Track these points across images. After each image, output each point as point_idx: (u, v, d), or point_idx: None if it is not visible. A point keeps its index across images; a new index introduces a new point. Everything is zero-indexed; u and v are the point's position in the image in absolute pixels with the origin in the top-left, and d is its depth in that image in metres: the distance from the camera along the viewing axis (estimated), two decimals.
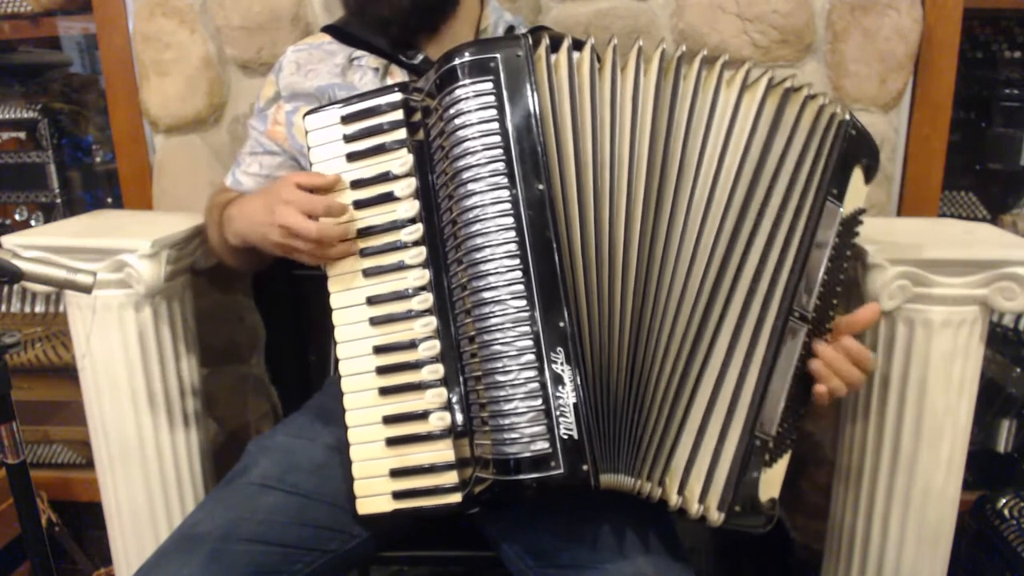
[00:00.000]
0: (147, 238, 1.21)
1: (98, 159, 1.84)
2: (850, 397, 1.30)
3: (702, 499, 0.83)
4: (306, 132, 0.89)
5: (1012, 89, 1.65)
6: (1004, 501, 1.47)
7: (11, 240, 1.24)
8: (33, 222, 1.81)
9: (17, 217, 1.82)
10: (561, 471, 0.77)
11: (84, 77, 1.87)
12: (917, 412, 1.18)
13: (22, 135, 1.78)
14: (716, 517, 0.83)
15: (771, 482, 0.86)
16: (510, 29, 1.11)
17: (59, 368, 1.81)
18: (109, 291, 1.23)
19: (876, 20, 1.35)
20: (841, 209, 0.87)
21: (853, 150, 0.88)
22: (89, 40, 1.80)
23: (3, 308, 1.85)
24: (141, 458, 1.31)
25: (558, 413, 0.78)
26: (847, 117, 0.88)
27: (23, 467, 0.85)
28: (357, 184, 0.88)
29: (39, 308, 1.84)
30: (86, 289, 0.83)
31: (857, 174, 0.89)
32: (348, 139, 0.88)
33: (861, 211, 0.90)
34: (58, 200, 1.81)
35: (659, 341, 0.84)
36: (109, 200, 1.84)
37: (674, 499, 0.83)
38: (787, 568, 1.65)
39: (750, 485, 0.84)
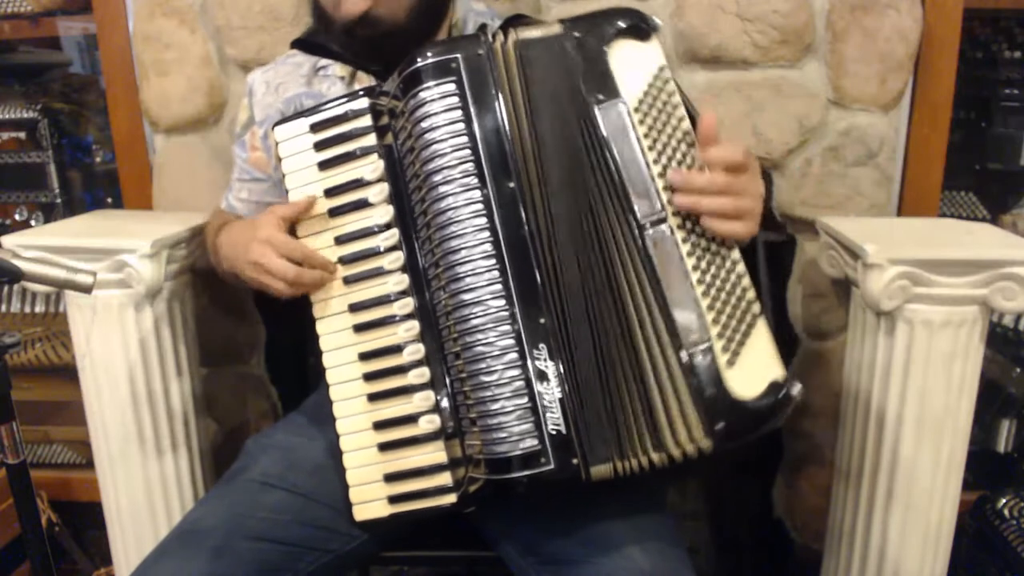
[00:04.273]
0: (147, 238, 1.21)
1: (98, 159, 1.84)
2: (850, 398, 1.30)
3: (691, 439, 0.80)
4: (276, 143, 0.89)
5: (1012, 89, 1.65)
6: (1004, 501, 1.47)
7: (11, 240, 1.24)
8: (33, 222, 1.81)
9: (17, 217, 1.82)
10: (551, 466, 0.78)
11: (84, 77, 1.87)
12: (917, 412, 1.18)
13: (22, 135, 1.78)
14: (707, 445, 0.79)
15: (755, 370, 0.80)
16: (483, 26, 1.09)
17: (59, 368, 1.81)
18: (109, 291, 1.23)
19: (876, 20, 1.35)
20: (621, 102, 0.80)
21: (593, 44, 0.81)
22: (89, 40, 1.80)
23: (3, 308, 1.85)
24: (141, 458, 1.31)
25: (544, 409, 0.78)
26: (558, 30, 0.82)
27: (23, 467, 0.85)
28: (331, 192, 0.87)
29: (39, 308, 1.84)
30: (86, 289, 0.83)
31: (622, 47, 0.81)
32: (318, 147, 0.87)
33: (661, 68, 0.81)
34: (58, 200, 1.81)
35: (606, 318, 0.81)
36: (109, 200, 1.84)
37: (666, 454, 0.80)
38: (787, 568, 1.65)
39: (721, 395, 0.78)
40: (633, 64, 0.81)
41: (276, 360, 1.64)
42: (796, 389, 0.79)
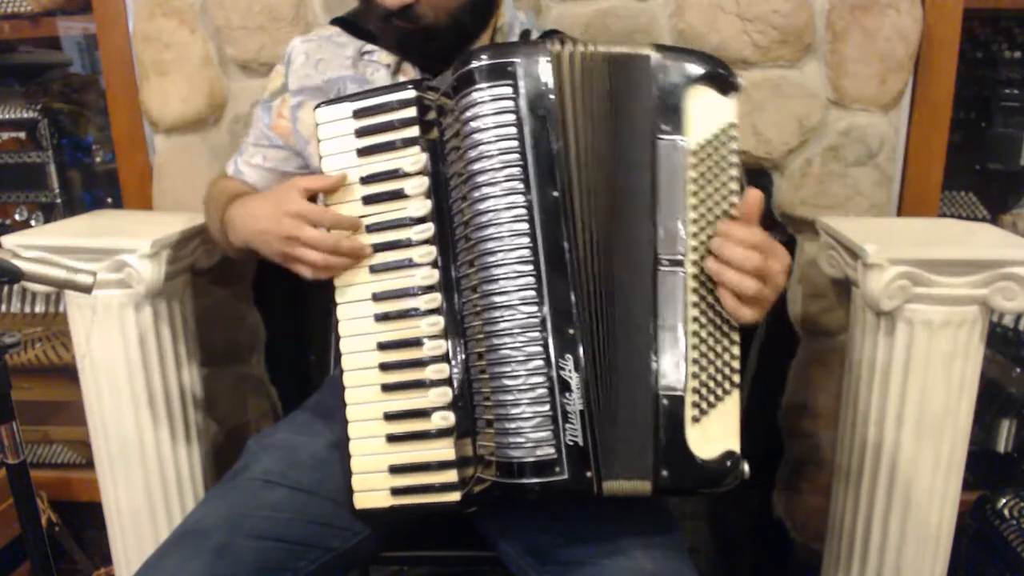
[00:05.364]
0: (147, 238, 1.21)
1: (98, 159, 1.84)
2: (850, 398, 1.30)
3: (643, 476, 0.80)
4: (317, 124, 0.88)
5: (1012, 89, 1.65)
6: (1004, 501, 1.47)
7: (11, 240, 1.24)
8: (33, 222, 1.81)
9: (17, 217, 1.82)
10: (565, 477, 0.78)
11: (84, 77, 1.87)
12: (917, 412, 1.18)
13: (22, 135, 1.78)
14: (644, 488, 0.80)
15: (716, 435, 0.81)
16: (526, 33, 1.10)
17: (59, 368, 1.81)
18: (109, 291, 1.23)
19: (876, 20, 1.35)
20: (682, 140, 0.80)
21: (676, 78, 0.81)
22: (89, 40, 1.80)
23: (3, 308, 1.85)
24: (141, 458, 1.31)
25: (564, 419, 0.78)
26: (649, 52, 0.81)
27: (23, 467, 0.85)
28: (367, 180, 0.87)
29: (39, 308, 1.84)
30: (86, 289, 0.83)
31: (700, 94, 0.81)
32: (360, 134, 0.87)
33: (731, 125, 0.81)
34: (58, 200, 1.81)
35: (628, 339, 0.82)
36: (109, 200, 1.84)
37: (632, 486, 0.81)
38: (787, 568, 1.65)
39: (676, 445, 0.80)
40: (707, 111, 0.81)
41: (276, 360, 1.64)
42: (746, 467, 0.81)
